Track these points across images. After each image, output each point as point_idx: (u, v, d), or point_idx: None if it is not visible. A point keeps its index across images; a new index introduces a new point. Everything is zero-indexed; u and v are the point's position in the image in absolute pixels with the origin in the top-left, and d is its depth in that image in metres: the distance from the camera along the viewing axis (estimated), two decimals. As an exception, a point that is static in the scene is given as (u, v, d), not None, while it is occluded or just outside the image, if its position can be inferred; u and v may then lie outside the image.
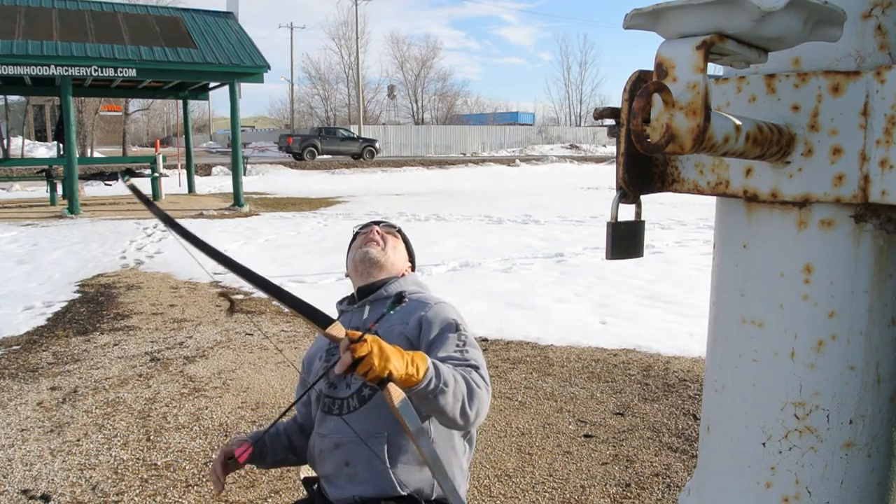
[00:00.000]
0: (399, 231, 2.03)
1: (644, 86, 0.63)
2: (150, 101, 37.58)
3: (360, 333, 1.30)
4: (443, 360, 1.60)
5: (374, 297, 1.83)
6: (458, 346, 1.67)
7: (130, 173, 18.42)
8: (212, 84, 17.05)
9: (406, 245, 2.01)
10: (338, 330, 1.33)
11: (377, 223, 2.00)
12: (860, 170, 0.70)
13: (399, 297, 1.52)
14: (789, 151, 0.74)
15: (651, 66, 0.68)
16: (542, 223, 12.07)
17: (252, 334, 5.41)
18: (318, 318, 1.36)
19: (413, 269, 2.01)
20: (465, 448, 1.83)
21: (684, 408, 3.87)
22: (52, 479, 3.10)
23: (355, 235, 2.01)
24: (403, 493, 1.65)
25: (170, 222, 1.67)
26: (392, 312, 1.62)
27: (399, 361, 1.33)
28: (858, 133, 0.70)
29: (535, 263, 8.20)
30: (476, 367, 1.61)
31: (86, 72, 13.68)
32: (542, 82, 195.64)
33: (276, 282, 1.45)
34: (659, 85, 0.62)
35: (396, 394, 1.30)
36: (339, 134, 36.68)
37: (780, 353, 0.79)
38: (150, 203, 1.75)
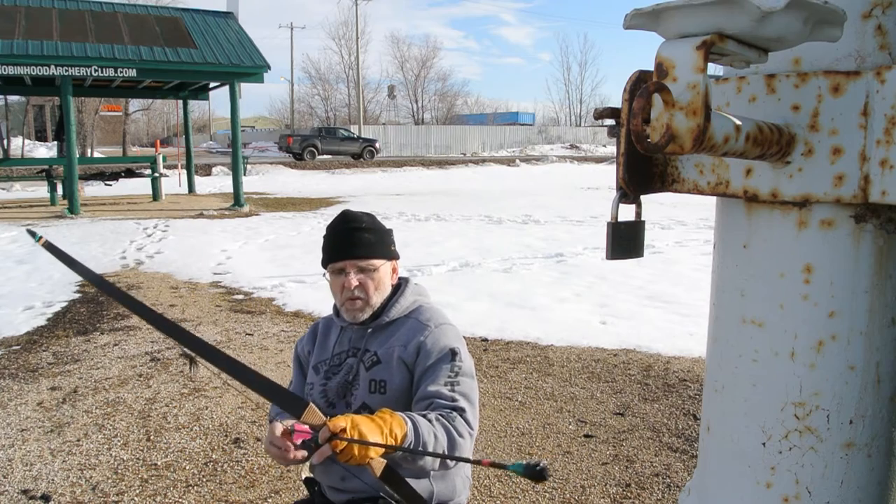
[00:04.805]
0: (373, 242, 1.78)
1: (644, 86, 0.63)
2: (150, 101, 37.57)
3: (342, 424, 1.32)
4: (432, 394, 1.62)
5: (375, 324, 1.80)
6: (449, 377, 1.66)
7: (130, 173, 18.38)
8: (212, 84, 17.05)
9: (384, 250, 1.81)
10: (314, 416, 1.35)
11: (351, 254, 1.75)
12: (860, 170, 0.70)
13: None
14: (789, 151, 0.74)
15: (651, 66, 0.68)
16: (542, 223, 12.07)
17: (252, 334, 5.42)
18: (287, 402, 1.38)
19: (398, 258, 1.87)
20: None
21: (684, 408, 3.87)
22: (52, 479, 3.10)
23: (328, 252, 1.80)
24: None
25: (104, 286, 1.65)
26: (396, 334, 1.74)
27: (377, 438, 1.36)
28: (858, 133, 0.70)
29: (535, 263, 8.20)
30: (462, 410, 1.60)
31: (86, 72, 13.67)
32: (542, 82, 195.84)
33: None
34: (659, 85, 0.62)
35: (378, 466, 1.36)
36: (339, 134, 36.66)
37: (780, 353, 0.79)
38: (76, 263, 1.73)
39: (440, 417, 1.55)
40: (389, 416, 1.43)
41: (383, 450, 1.36)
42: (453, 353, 1.69)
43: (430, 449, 1.47)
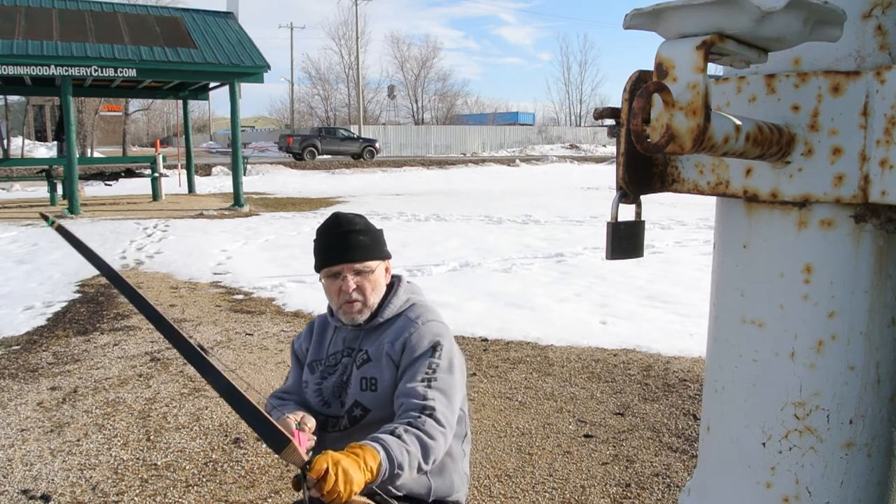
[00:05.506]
0: (368, 244, 1.78)
1: (644, 86, 0.63)
2: (150, 101, 37.57)
3: (325, 467, 1.35)
4: (406, 392, 1.64)
5: (369, 326, 1.81)
6: (426, 374, 1.66)
7: (130, 173, 18.38)
8: (212, 84, 17.05)
9: (379, 251, 1.81)
10: (293, 455, 1.37)
11: (347, 257, 1.75)
12: (860, 170, 0.70)
13: None
14: (789, 151, 0.74)
15: (651, 66, 0.68)
16: (542, 223, 12.07)
17: (252, 334, 5.41)
18: (270, 436, 1.39)
19: (390, 257, 1.87)
20: (464, 453, 1.83)
21: (684, 408, 3.87)
22: (52, 479, 3.10)
23: (322, 256, 1.79)
24: (400, 494, 1.67)
25: (113, 276, 1.63)
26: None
27: (358, 474, 1.39)
28: (858, 133, 0.70)
29: (535, 263, 8.20)
30: (432, 410, 1.60)
31: (86, 72, 13.67)
32: (542, 82, 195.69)
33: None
34: (659, 85, 0.62)
35: (360, 502, 1.40)
36: (339, 134, 36.64)
37: (780, 353, 0.79)
38: (88, 251, 1.70)
39: (409, 428, 1.55)
40: (360, 450, 1.45)
41: (363, 481, 1.40)
42: (433, 349, 1.70)
43: (406, 465, 1.50)
